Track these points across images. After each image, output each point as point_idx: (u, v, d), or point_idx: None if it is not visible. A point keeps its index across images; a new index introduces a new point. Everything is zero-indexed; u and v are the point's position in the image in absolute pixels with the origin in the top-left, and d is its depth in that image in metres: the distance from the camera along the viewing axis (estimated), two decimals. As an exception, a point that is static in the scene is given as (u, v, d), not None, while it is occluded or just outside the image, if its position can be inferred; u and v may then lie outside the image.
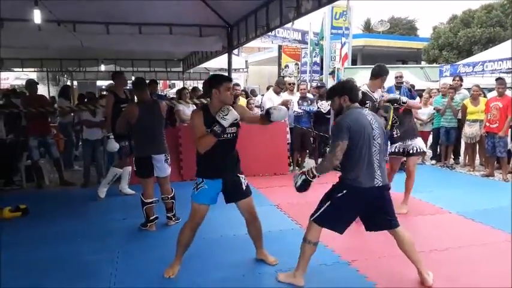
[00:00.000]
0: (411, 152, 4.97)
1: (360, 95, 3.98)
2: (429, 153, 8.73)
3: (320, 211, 2.99)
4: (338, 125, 2.91)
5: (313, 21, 17.06)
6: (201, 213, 3.25)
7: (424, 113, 8.17)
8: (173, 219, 4.51)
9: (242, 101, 8.16)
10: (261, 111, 7.87)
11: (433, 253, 3.73)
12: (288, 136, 7.24)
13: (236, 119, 3.07)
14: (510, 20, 21.22)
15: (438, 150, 8.26)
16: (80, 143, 7.80)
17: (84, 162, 6.52)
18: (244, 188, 3.33)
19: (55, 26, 6.09)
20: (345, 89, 3.06)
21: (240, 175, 3.34)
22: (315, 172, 2.92)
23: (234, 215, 3.97)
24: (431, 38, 26.06)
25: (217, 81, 3.15)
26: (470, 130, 7.46)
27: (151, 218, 4.36)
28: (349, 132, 2.83)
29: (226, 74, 8.89)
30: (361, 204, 2.95)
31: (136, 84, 4.47)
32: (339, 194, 2.92)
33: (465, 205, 5.18)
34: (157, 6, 6.05)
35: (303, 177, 2.96)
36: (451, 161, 7.99)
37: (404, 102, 4.67)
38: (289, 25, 5.65)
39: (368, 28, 36.82)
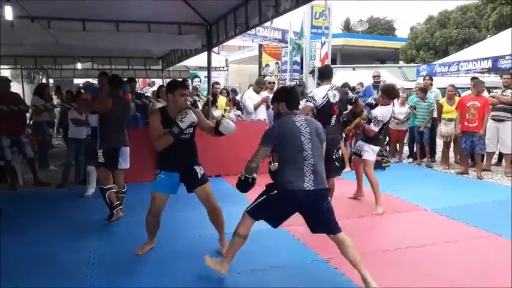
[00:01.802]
0: (361, 153, 5.20)
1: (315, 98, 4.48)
2: (405, 151, 8.90)
3: (254, 204, 3.14)
4: (267, 132, 3.12)
5: (293, 21, 17.09)
6: (158, 201, 3.53)
7: (400, 112, 8.31)
8: (121, 211, 4.61)
9: (222, 100, 8.15)
10: (242, 108, 7.86)
11: (409, 250, 3.81)
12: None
13: (193, 122, 3.38)
14: (484, 21, 21.76)
15: (414, 148, 8.42)
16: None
17: (65, 161, 6.38)
18: (199, 177, 3.55)
19: (28, 23, 5.91)
20: (284, 96, 3.21)
21: (196, 167, 3.56)
22: (244, 173, 3.13)
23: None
24: (409, 38, 26.58)
25: (172, 88, 3.49)
26: (445, 129, 7.62)
27: (116, 203, 4.46)
28: (278, 139, 3.01)
29: (206, 72, 8.83)
30: (290, 205, 3.03)
31: (115, 81, 4.68)
32: (271, 193, 3.05)
33: (441, 202, 5.29)
34: (135, 4, 5.94)
35: (238, 179, 3.20)
36: (429, 159, 8.13)
37: (364, 119, 5.13)
38: (268, 24, 5.68)
39: (347, 28, 37.25)
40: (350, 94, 4.85)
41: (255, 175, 3.17)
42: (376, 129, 5.00)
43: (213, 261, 3.27)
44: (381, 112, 5.01)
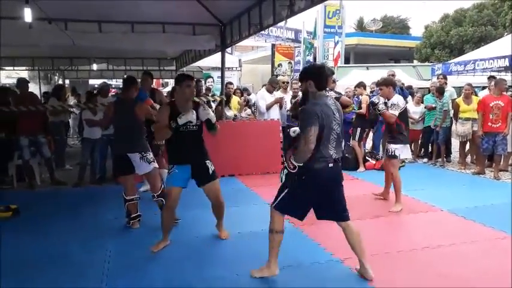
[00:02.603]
0: (387, 154, 5.16)
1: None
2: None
3: (279, 198, 3.09)
4: (308, 112, 2.92)
5: (306, 20, 17.11)
6: (174, 196, 3.66)
7: (416, 111, 8.22)
8: (138, 223, 4.40)
9: (235, 99, 8.19)
10: (254, 109, 7.89)
11: (425, 250, 3.76)
12: (281, 135, 7.25)
13: (191, 122, 3.52)
14: (501, 19, 21.39)
15: (430, 148, 8.32)
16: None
17: (81, 161, 6.48)
18: (210, 172, 3.74)
19: (46, 24, 6.02)
20: (310, 74, 3.05)
21: (207, 161, 3.73)
22: (294, 163, 2.93)
23: (226, 214, 3.97)
24: (424, 36, 26.26)
25: (180, 79, 3.72)
26: (462, 128, 7.50)
27: (133, 215, 4.40)
28: (320, 117, 2.86)
29: (219, 72, 8.87)
30: (315, 187, 2.99)
31: (124, 83, 4.58)
32: (296, 181, 2.96)
33: (457, 203, 5.22)
34: (150, 5, 6.01)
35: (285, 171, 3.01)
36: (444, 159, 8.03)
37: (379, 110, 5.01)
38: (282, 24, 5.69)
39: (361, 27, 37.00)
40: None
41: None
42: (396, 113, 4.96)
43: (259, 270, 3.22)
44: (396, 99, 5.03)
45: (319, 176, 2.97)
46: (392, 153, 5.08)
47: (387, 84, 5.13)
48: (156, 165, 4.40)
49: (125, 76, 5.02)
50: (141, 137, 4.39)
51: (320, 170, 2.95)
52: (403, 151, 5.12)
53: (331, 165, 2.96)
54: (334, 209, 3.11)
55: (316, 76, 3.00)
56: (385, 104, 5.00)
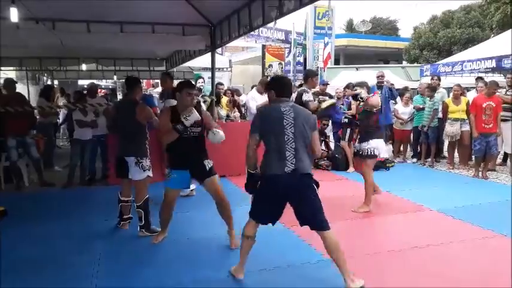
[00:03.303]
0: (364, 154, 5.01)
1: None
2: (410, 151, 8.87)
3: (251, 205, 3.18)
4: (253, 120, 3.26)
5: (296, 21, 17.17)
6: (172, 197, 3.86)
7: (405, 112, 8.30)
8: (143, 230, 4.20)
9: (225, 99, 8.19)
10: (245, 110, 7.89)
11: (415, 250, 3.80)
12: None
13: (197, 120, 3.59)
14: (488, 21, 21.68)
15: (419, 148, 8.39)
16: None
17: (70, 162, 6.40)
18: (207, 169, 3.77)
19: (34, 24, 5.95)
20: (271, 84, 3.30)
21: (204, 161, 3.77)
22: (246, 169, 3.13)
23: (217, 216, 3.96)
24: (412, 38, 26.50)
25: (181, 87, 3.76)
26: (451, 129, 7.57)
27: (125, 216, 4.40)
28: (260, 125, 3.07)
29: (209, 73, 8.87)
30: (274, 192, 2.99)
31: (128, 83, 4.46)
32: (258, 187, 3.09)
33: (445, 203, 5.28)
34: (140, 5, 5.97)
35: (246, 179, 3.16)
36: (433, 159, 8.10)
37: (362, 98, 5.06)
38: (272, 24, 5.71)
39: (350, 28, 37.21)
40: (304, 97, 5.21)
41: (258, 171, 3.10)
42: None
43: (234, 267, 3.29)
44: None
45: (272, 182, 2.99)
46: (373, 153, 5.03)
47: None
48: (150, 174, 4.21)
49: (127, 77, 4.90)
50: (141, 141, 4.22)
51: (272, 176, 2.98)
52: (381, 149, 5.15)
53: (288, 171, 2.92)
54: (306, 218, 3.04)
55: (276, 86, 3.21)
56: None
